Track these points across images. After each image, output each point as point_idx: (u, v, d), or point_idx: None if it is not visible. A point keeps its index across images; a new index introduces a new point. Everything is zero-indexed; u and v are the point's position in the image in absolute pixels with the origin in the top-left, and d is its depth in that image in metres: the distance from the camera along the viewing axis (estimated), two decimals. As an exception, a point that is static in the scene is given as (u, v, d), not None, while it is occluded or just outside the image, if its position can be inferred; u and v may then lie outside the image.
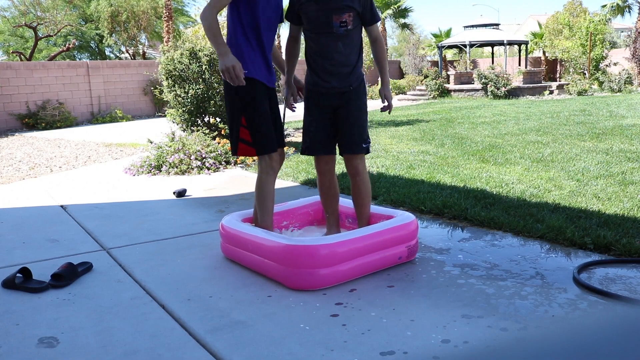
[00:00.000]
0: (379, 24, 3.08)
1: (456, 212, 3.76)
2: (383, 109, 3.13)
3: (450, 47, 23.24)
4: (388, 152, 6.66)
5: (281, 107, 3.21)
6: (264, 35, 2.93)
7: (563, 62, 23.99)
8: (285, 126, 9.25)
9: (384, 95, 3.10)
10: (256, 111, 2.90)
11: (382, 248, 2.77)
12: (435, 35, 27.56)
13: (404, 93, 21.58)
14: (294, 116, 11.51)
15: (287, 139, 8.31)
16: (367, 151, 3.04)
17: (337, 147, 3.11)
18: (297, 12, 2.98)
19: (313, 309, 2.37)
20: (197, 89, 7.01)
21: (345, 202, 3.44)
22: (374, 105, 13.18)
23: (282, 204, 3.52)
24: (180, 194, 4.81)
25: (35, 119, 13.34)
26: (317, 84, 3.01)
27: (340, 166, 5.80)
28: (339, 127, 3.02)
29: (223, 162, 6.21)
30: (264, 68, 2.95)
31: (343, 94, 2.97)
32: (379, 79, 3.21)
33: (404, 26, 25.47)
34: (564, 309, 2.29)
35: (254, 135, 2.91)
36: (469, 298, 2.42)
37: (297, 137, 8.82)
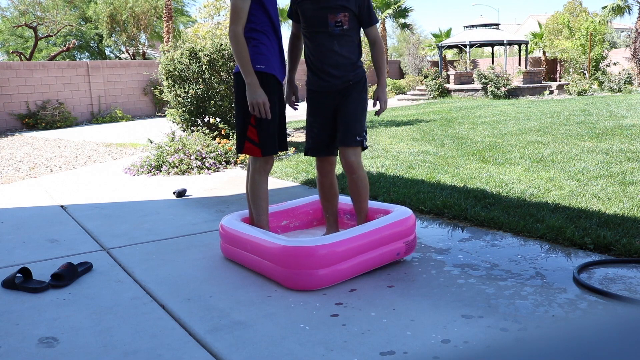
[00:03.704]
0: (378, 25, 3.07)
1: (456, 212, 3.76)
2: (377, 113, 3.10)
3: (450, 47, 23.24)
4: (388, 152, 6.66)
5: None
6: (279, 29, 2.99)
7: (563, 62, 23.99)
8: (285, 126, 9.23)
9: (377, 96, 3.05)
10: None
11: (380, 245, 2.77)
12: (435, 35, 27.57)
13: (404, 93, 21.58)
14: (294, 116, 11.51)
15: (287, 139, 8.29)
16: (362, 145, 2.97)
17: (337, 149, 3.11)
18: (296, 9, 3.00)
19: (313, 309, 2.37)
20: (197, 89, 7.01)
21: (343, 199, 3.44)
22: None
23: (282, 203, 3.52)
24: (180, 194, 4.81)
25: (35, 119, 13.34)
26: (315, 84, 3.01)
27: (339, 167, 5.80)
28: (336, 122, 3.01)
29: (223, 162, 6.21)
30: (279, 62, 2.98)
31: (341, 92, 2.96)
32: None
33: (404, 26, 25.47)
34: (564, 309, 2.29)
35: (261, 136, 2.92)
36: (469, 298, 2.42)
37: (297, 137, 8.82)
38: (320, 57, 2.93)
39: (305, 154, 3.18)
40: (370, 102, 3.13)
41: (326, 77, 2.95)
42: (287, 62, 3.20)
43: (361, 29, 3.02)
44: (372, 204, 3.21)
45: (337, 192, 3.22)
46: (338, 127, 2.99)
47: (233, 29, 2.81)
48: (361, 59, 3.03)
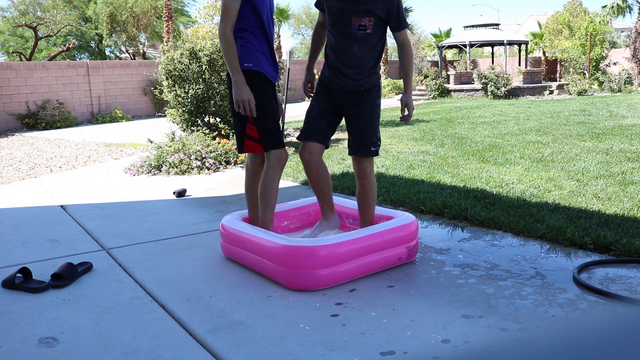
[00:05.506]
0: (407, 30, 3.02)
1: (456, 212, 3.76)
2: (402, 119, 3.08)
3: (450, 47, 23.24)
4: (388, 152, 6.66)
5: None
6: (269, 30, 2.98)
7: (563, 62, 23.99)
8: (285, 126, 9.25)
9: (405, 102, 3.04)
10: (264, 107, 2.91)
11: (381, 249, 2.77)
12: (435, 35, 27.56)
13: (404, 93, 21.52)
14: (294, 116, 11.50)
15: (287, 139, 8.30)
16: (376, 154, 3.02)
17: (330, 140, 3.08)
18: (322, 1, 2.98)
19: (313, 309, 2.37)
20: (197, 89, 7.01)
21: (347, 203, 3.44)
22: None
23: (282, 203, 3.52)
24: (180, 194, 4.81)
25: (35, 119, 13.34)
26: (329, 78, 3.00)
27: (340, 166, 5.79)
28: (348, 127, 3.01)
29: (223, 162, 6.21)
30: (269, 61, 2.97)
31: (353, 94, 2.95)
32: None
33: (404, 26, 25.44)
34: (564, 309, 2.29)
35: (261, 132, 2.92)
36: (469, 298, 2.42)
37: (297, 137, 8.80)
38: (338, 56, 2.92)
39: (297, 138, 3.10)
40: (384, 100, 3.12)
41: (341, 76, 2.94)
42: (310, 49, 3.20)
43: (385, 34, 2.99)
44: (376, 209, 3.20)
45: (328, 181, 3.08)
46: (351, 133, 3.00)
47: (222, 27, 2.83)
48: (378, 67, 3.00)
